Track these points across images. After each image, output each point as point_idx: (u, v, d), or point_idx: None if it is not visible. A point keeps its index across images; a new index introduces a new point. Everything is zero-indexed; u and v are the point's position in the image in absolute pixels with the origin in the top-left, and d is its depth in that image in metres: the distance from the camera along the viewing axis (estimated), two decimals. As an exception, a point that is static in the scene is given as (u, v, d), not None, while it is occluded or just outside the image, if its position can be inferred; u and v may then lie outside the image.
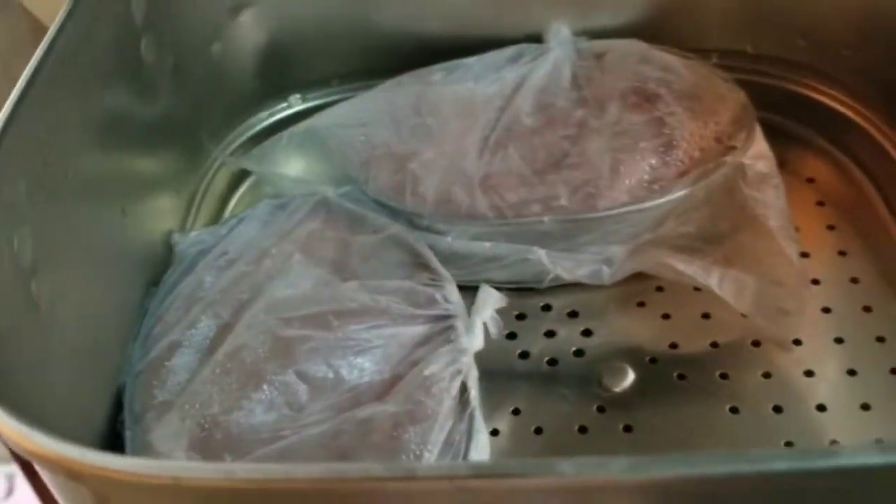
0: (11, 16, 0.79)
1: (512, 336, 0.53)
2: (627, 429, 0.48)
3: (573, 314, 0.53)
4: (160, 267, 0.52)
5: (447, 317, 0.46)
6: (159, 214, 0.54)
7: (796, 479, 0.24)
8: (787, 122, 0.62)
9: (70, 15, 0.43)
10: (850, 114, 0.60)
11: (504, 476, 0.23)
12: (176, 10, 0.54)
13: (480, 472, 0.23)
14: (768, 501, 0.25)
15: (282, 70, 0.63)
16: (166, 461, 0.24)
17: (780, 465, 0.23)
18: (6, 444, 0.28)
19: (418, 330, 0.46)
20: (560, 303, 0.54)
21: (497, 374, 0.51)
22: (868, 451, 0.23)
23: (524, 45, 0.61)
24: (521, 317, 0.54)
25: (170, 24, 0.53)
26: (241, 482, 0.24)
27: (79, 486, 0.28)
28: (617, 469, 0.23)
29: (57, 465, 0.26)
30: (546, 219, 0.51)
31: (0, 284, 0.35)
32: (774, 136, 0.60)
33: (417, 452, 0.40)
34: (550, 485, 0.23)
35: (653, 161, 0.52)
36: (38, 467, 0.30)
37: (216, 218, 0.59)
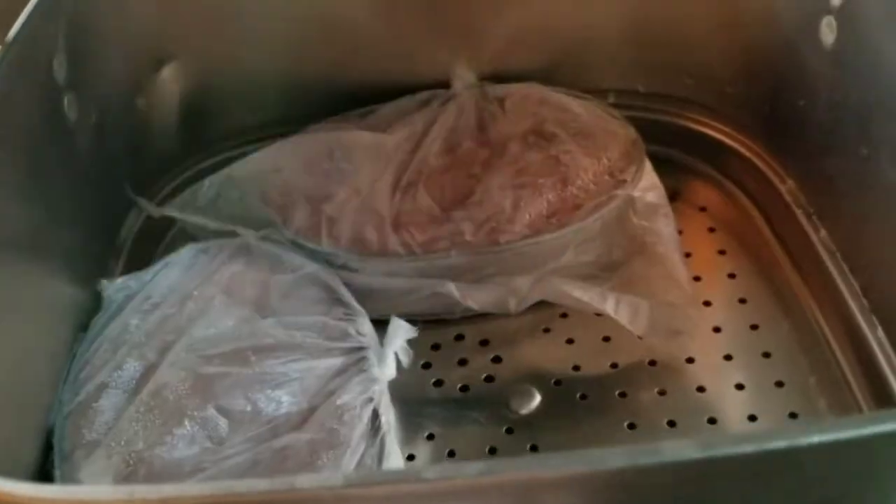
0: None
1: (427, 365, 0.56)
2: (534, 448, 0.51)
3: (484, 342, 0.57)
4: (88, 313, 0.54)
5: (360, 348, 0.49)
6: (87, 262, 0.56)
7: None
8: (680, 154, 0.66)
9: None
10: (735, 145, 0.65)
11: (372, 484, 0.26)
12: (98, 68, 0.56)
13: (352, 482, 0.27)
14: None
15: (204, 121, 0.66)
16: (72, 486, 0.27)
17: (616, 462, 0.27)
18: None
19: (333, 362, 0.49)
20: (472, 332, 0.57)
21: (413, 401, 0.54)
22: (692, 446, 0.26)
23: (434, 91, 0.64)
24: (435, 347, 0.57)
25: (92, 82, 0.56)
26: (138, 501, 0.27)
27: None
28: (472, 472, 0.26)
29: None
30: (453, 253, 0.54)
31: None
32: (668, 168, 0.65)
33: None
34: (414, 490, 0.26)
35: (550, 196, 0.56)
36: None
37: (145, 263, 0.61)
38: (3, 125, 0.47)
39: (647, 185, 0.57)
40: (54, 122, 0.53)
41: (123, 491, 0.27)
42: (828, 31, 0.51)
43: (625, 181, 0.56)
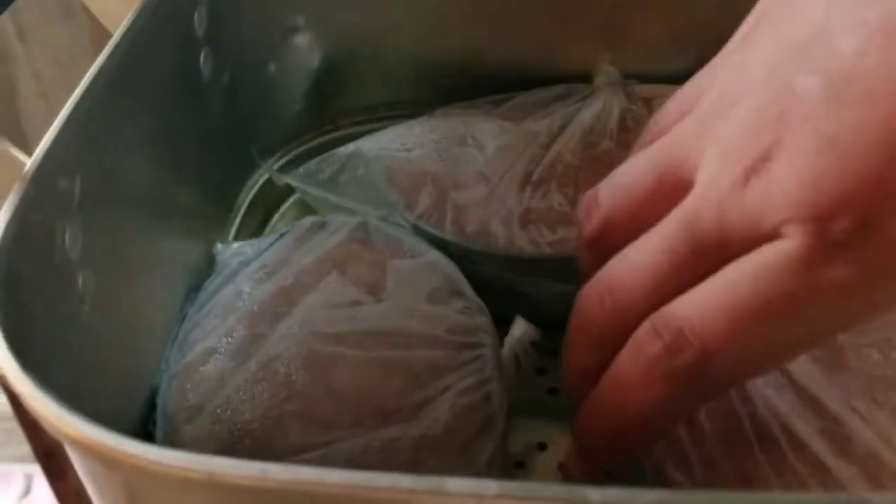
0: (76, 23, 0.82)
1: (542, 371, 0.53)
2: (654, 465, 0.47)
3: (604, 353, 0.53)
4: (200, 274, 0.52)
5: (479, 345, 0.46)
6: (204, 222, 0.55)
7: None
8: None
9: (135, 22, 0.44)
10: None
11: (532, 499, 0.23)
12: (236, 28, 0.55)
13: (509, 492, 0.24)
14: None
15: (331, 93, 0.64)
16: (201, 455, 0.25)
17: None
18: (44, 429, 0.28)
19: (449, 356, 0.46)
20: (592, 341, 0.54)
21: (525, 407, 0.51)
22: None
23: (573, 85, 0.61)
24: (552, 353, 0.54)
25: (229, 41, 0.54)
26: (274, 482, 0.24)
27: (111, 475, 0.29)
28: (644, 500, 0.23)
29: (93, 451, 0.27)
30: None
31: (50, 273, 0.36)
32: None
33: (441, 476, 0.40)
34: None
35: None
36: (71, 454, 0.31)
37: (257, 232, 0.60)
38: (142, 74, 0.46)
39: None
40: (189, 76, 0.52)
41: (256, 468, 0.24)
42: None
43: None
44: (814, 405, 0.38)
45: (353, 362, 0.45)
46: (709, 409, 0.39)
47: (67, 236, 0.37)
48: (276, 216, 0.61)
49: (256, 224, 0.61)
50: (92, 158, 0.40)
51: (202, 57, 0.52)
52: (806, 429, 0.37)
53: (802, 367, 0.39)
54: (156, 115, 0.48)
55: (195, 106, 0.52)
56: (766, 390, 0.38)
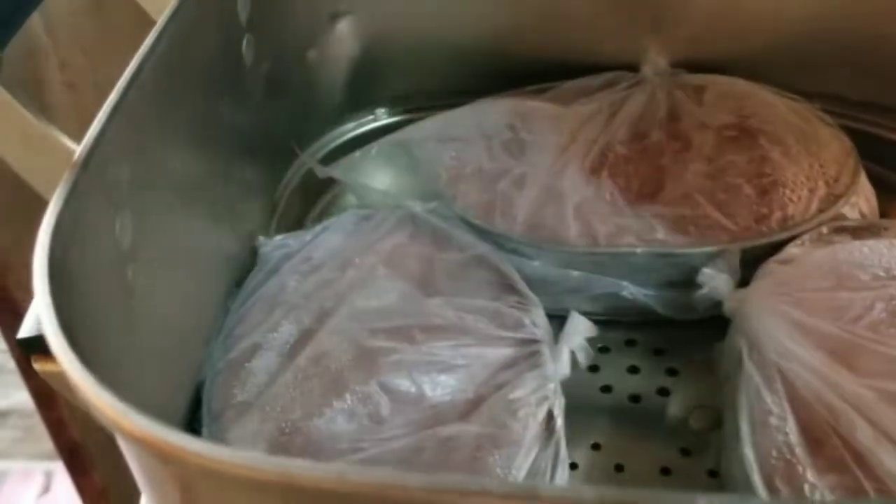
0: (105, 14, 0.80)
1: (594, 369, 0.51)
2: (713, 474, 0.46)
3: (658, 351, 0.52)
4: (243, 268, 0.51)
5: (534, 341, 0.45)
6: (245, 216, 0.53)
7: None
8: (888, 172, 0.60)
9: (178, 9, 0.43)
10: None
11: None
12: (278, 14, 0.54)
13: (608, 498, 0.22)
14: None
15: (372, 82, 0.63)
16: (270, 456, 0.23)
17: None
18: (101, 421, 0.27)
19: (504, 352, 0.44)
20: (644, 338, 0.52)
21: (577, 406, 0.49)
22: None
23: (620, 73, 0.60)
24: (604, 350, 0.52)
25: (271, 27, 0.53)
26: (353, 485, 0.23)
27: (165, 470, 0.27)
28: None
29: (151, 446, 0.25)
30: (640, 251, 0.49)
31: (102, 265, 0.34)
32: (876, 187, 0.58)
33: (503, 476, 0.39)
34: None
35: (756, 202, 0.50)
36: (125, 447, 0.29)
37: (298, 224, 0.59)
38: (186, 61, 0.45)
39: (862, 202, 0.51)
40: (232, 63, 0.50)
41: (333, 469, 0.23)
42: None
43: (840, 195, 0.50)
44: None
45: (406, 358, 0.43)
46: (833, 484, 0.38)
47: (118, 225, 0.36)
48: (318, 207, 0.60)
49: (297, 215, 0.59)
50: (140, 146, 0.39)
51: (244, 43, 0.50)
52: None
53: None
54: (199, 102, 0.47)
55: (238, 93, 0.51)
56: (893, 466, 0.38)
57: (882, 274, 0.45)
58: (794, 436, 0.40)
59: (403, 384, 0.43)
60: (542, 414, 0.41)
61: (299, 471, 0.23)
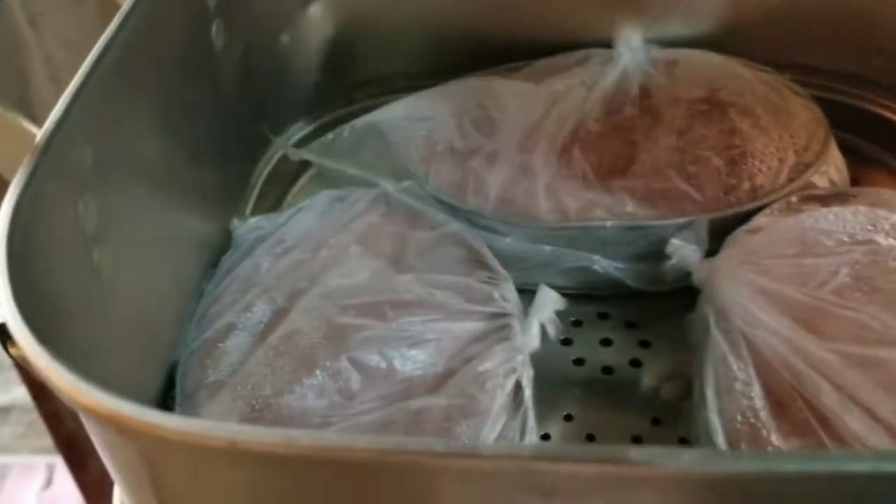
0: (87, 6, 0.81)
1: (567, 342, 0.52)
2: (683, 441, 0.46)
3: (630, 324, 0.52)
4: (218, 250, 0.51)
5: (504, 315, 0.45)
6: (219, 199, 0.54)
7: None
8: (861, 141, 0.60)
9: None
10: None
11: (569, 459, 0.22)
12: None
13: (545, 454, 0.23)
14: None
15: (347, 65, 0.63)
16: (223, 423, 0.24)
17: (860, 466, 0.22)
18: (64, 402, 0.28)
19: (474, 326, 0.45)
20: (617, 311, 0.53)
21: (551, 378, 0.50)
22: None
23: (593, 50, 0.60)
24: (577, 323, 0.53)
25: (242, 12, 0.53)
26: (300, 449, 0.23)
27: (128, 445, 0.28)
28: (688, 460, 0.22)
29: (110, 420, 0.26)
30: (609, 224, 0.49)
31: (64, 248, 0.35)
32: (847, 156, 0.59)
33: (469, 447, 0.39)
34: (618, 472, 0.22)
35: (725, 173, 0.50)
36: (88, 425, 0.30)
37: (275, 206, 0.59)
38: (152, 46, 0.45)
39: (833, 171, 0.52)
40: (201, 49, 0.51)
41: (280, 435, 0.23)
42: None
43: (809, 164, 0.50)
44: None
45: (376, 334, 0.44)
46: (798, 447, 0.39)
47: (81, 208, 0.36)
48: (294, 190, 0.60)
49: (273, 198, 0.60)
50: (104, 130, 0.39)
51: (214, 28, 0.50)
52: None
53: (892, 407, 0.38)
54: (167, 88, 0.47)
55: (208, 79, 0.51)
56: (856, 428, 0.38)
57: (846, 239, 0.45)
58: (759, 400, 0.40)
59: (373, 359, 0.43)
60: (509, 385, 0.42)
61: (244, 436, 0.24)
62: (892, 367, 0.40)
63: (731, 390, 0.41)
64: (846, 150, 0.60)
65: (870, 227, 0.45)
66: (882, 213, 0.46)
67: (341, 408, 0.41)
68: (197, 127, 0.51)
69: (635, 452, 0.22)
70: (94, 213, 0.37)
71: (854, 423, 0.38)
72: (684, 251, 0.47)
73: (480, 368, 0.42)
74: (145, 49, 0.44)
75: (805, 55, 0.60)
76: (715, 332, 0.44)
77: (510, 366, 0.43)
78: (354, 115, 0.60)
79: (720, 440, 0.40)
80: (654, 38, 0.60)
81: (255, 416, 0.41)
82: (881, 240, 0.45)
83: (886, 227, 0.45)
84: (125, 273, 0.41)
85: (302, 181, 0.61)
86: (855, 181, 0.58)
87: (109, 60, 0.40)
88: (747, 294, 0.44)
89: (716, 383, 0.42)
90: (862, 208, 0.46)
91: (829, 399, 0.39)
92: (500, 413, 0.41)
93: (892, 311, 0.42)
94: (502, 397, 0.41)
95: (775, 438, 0.39)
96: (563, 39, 0.61)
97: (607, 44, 0.60)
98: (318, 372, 0.42)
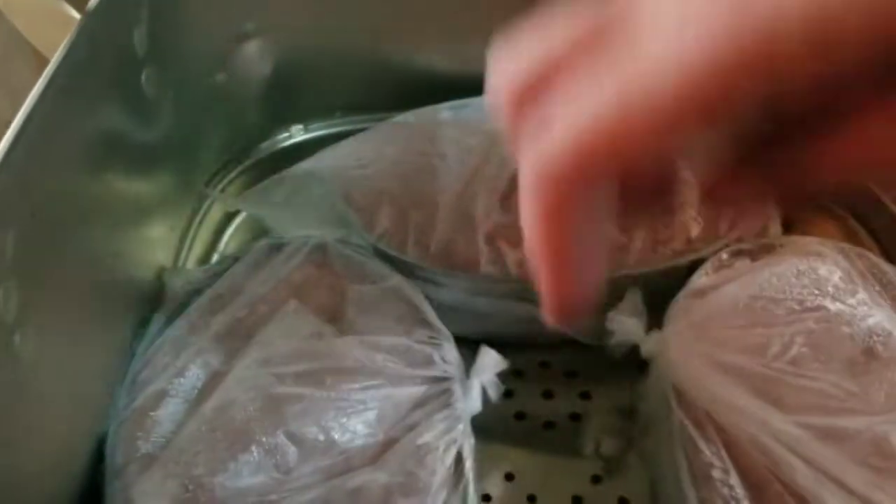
0: (17, 51, 0.78)
1: (508, 394, 0.51)
2: (623, 501, 0.46)
3: (571, 374, 0.52)
4: (151, 305, 0.50)
5: (444, 379, 0.45)
6: (151, 249, 0.52)
7: None
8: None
9: (70, 51, 0.41)
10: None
11: None
12: (179, 42, 0.52)
13: None
14: None
15: (286, 100, 0.61)
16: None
17: None
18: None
19: (414, 391, 0.44)
20: (558, 360, 0.53)
21: (492, 434, 0.49)
22: None
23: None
24: (518, 374, 0.52)
25: (173, 56, 0.51)
26: None
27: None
28: None
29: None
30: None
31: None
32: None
33: (408, 527, 0.39)
34: None
35: (663, 223, 0.50)
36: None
37: (209, 253, 0.58)
38: (80, 97, 0.43)
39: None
40: (133, 97, 0.49)
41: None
42: None
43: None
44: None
45: (314, 404, 0.43)
46: None
47: (1, 298, 0.34)
48: (227, 234, 0.59)
49: (207, 244, 0.58)
50: (25, 208, 0.37)
51: (144, 76, 0.48)
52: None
53: (865, 479, 0.38)
54: (95, 141, 0.45)
55: (139, 126, 0.49)
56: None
57: (796, 307, 0.45)
58: (738, 488, 0.40)
59: (311, 431, 0.42)
60: (449, 458, 0.42)
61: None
62: (859, 437, 0.40)
63: (708, 479, 0.40)
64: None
65: (816, 292, 0.45)
66: (823, 272, 0.46)
67: (278, 485, 0.41)
68: (126, 173, 0.49)
69: None
70: (15, 298, 0.35)
71: (832, 500, 0.38)
72: (626, 325, 0.46)
73: (419, 441, 0.42)
74: (72, 104, 0.42)
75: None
76: (678, 413, 0.42)
77: (451, 436, 0.42)
78: (294, 150, 0.59)
79: None
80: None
81: (188, 497, 0.40)
82: (829, 305, 0.45)
83: (830, 290, 0.45)
84: (49, 351, 0.39)
85: (236, 223, 0.60)
86: (791, 223, 0.59)
87: (33, 128, 0.38)
88: (705, 371, 0.43)
89: (691, 472, 0.41)
90: (803, 268, 0.46)
91: (805, 479, 0.39)
92: (440, 488, 0.40)
93: (850, 379, 0.42)
94: (443, 471, 0.41)
95: None
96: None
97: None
98: (253, 448, 0.41)
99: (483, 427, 0.49)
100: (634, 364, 0.50)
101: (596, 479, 0.47)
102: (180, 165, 0.55)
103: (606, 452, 0.48)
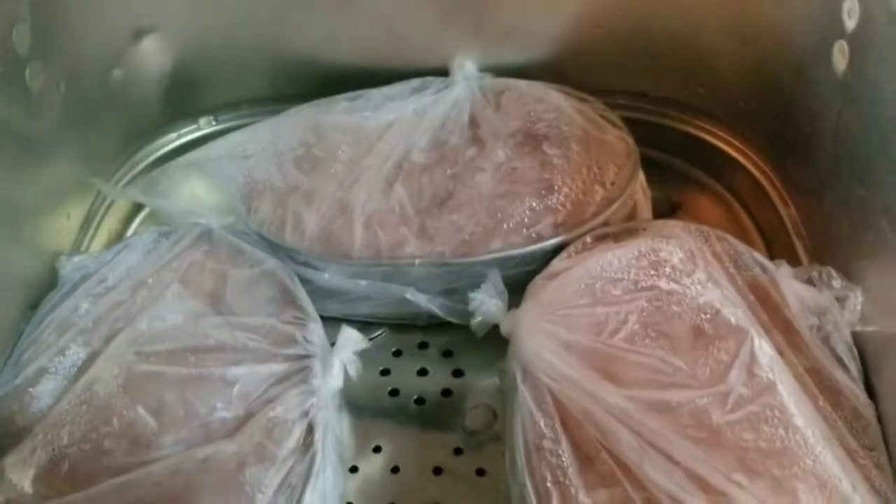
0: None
1: (386, 372, 0.54)
2: (480, 472, 0.49)
3: (447, 353, 0.55)
4: (45, 290, 0.52)
5: (304, 356, 0.47)
6: (47, 237, 0.55)
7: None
8: (684, 164, 0.64)
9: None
10: (742, 160, 0.61)
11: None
12: (68, 39, 0.54)
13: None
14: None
15: (190, 94, 0.64)
16: None
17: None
18: None
19: (276, 368, 0.47)
20: (436, 341, 0.55)
21: (366, 409, 0.52)
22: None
23: (429, 78, 0.61)
24: (397, 353, 0.55)
25: (60, 52, 0.53)
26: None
27: None
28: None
29: None
30: (417, 262, 0.51)
31: None
32: (670, 177, 0.62)
33: (251, 494, 0.41)
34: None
35: (532, 205, 0.52)
36: None
37: (117, 240, 0.60)
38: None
39: (640, 203, 0.54)
40: (16, 92, 0.51)
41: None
42: (840, 57, 0.47)
43: (613, 199, 0.52)
44: (700, 483, 0.39)
45: (175, 380, 0.46)
46: (604, 499, 0.40)
47: None
48: (135, 224, 0.61)
49: (113, 233, 0.61)
50: None
51: (28, 72, 0.51)
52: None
53: (686, 449, 0.40)
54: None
55: (25, 120, 0.51)
56: (656, 475, 0.40)
57: (631, 287, 0.47)
58: (566, 457, 0.42)
59: (171, 406, 0.45)
60: (299, 430, 0.44)
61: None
62: (683, 409, 0.42)
63: (539, 448, 0.42)
64: (672, 172, 0.63)
65: (653, 273, 0.47)
66: (664, 254, 0.48)
67: (135, 455, 0.43)
68: (20, 170, 0.51)
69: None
70: None
71: (653, 470, 0.40)
72: (487, 306, 0.48)
73: (271, 414, 0.44)
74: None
75: (634, 83, 0.62)
76: (521, 388, 0.44)
77: (302, 409, 0.45)
78: (202, 142, 0.61)
79: (532, 501, 0.41)
80: (490, 66, 0.61)
81: (51, 466, 0.43)
82: (663, 284, 0.47)
83: (667, 270, 0.47)
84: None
85: (143, 215, 0.62)
86: (677, 205, 0.61)
87: None
88: (549, 347, 0.45)
89: (524, 442, 0.43)
90: (645, 249, 0.48)
91: (629, 447, 0.41)
92: (286, 458, 0.43)
93: (678, 354, 0.44)
94: (290, 442, 0.43)
95: (582, 495, 0.40)
96: (405, 67, 0.62)
97: (446, 72, 0.61)
98: (114, 420, 0.44)
99: (359, 404, 0.52)
100: (506, 345, 0.53)
101: (458, 451, 0.50)
102: (79, 157, 0.57)
103: (471, 427, 0.51)
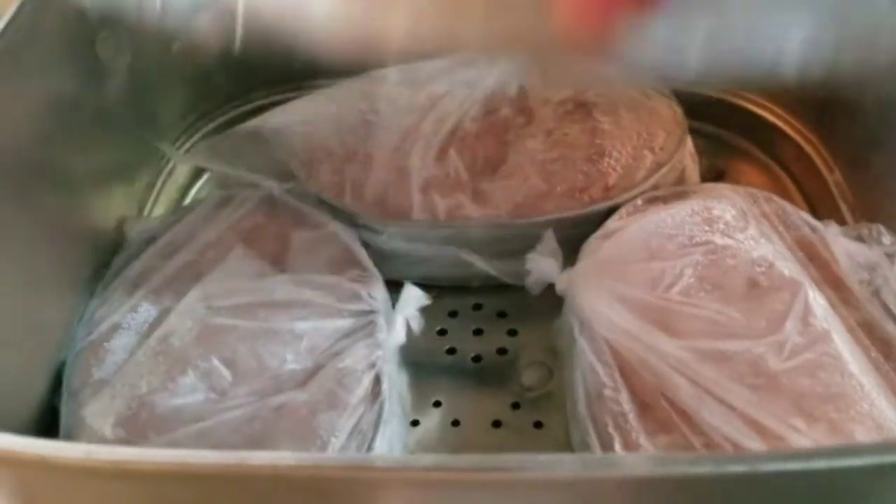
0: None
1: (443, 332, 0.56)
2: (538, 425, 0.50)
3: (502, 314, 0.56)
4: (110, 252, 0.54)
5: (370, 312, 0.49)
6: (114, 202, 0.56)
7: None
8: (729, 134, 0.65)
9: (18, 11, 0.46)
10: (786, 128, 0.62)
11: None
12: (135, 6, 0.56)
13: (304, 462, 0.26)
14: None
15: (247, 68, 0.65)
16: (32, 440, 0.27)
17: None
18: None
19: (342, 323, 0.48)
20: (491, 303, 0.57)
21: (425, 367, 0.54)
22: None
23: (476, 53, 0.62)
24: (452, 314, 0.57)
25: (128, 21, 0.55)
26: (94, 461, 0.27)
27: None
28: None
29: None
30: (473, 223, 0.53)
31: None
32: (715, 146, 0.63)
33: (325, 438, 0.43)
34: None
35: (584, 170, 0.54)
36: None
37: (177, 205, 0.62)
38: (32, 58, 0.47)
39: (689, 168, 0.55)
40: (86, 59, 0.53)
41: (81, 450, 0.27)
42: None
43: (662, 163, 0.54)
44: (758, 427, 0.41)
45: (246, 334, 0.47)
46: (664, 443, 0.42)
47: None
48: (194, 189, 0.63)
49: (174, 198, 0.63)
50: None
51: (98, 39, 0.53)
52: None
53: (743, 396, 0.42)
54: (51, 100, 0.49)
55: (95, 88, 0.53)
56: (713, 420, 0.41)
57: (686, 242, 0.49)
58: (626, 404, 0.43)
59: (244, 358, 0.47)
60: (368, 379, 0.46)
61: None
62: (739, 358, 0.44)
63: (600, 397, 0.44)
64: (717, 142, 0.64)
65: (706, 228, 0.49)
66: (717, 211, 0.50)
67: (212, 403, 0.45)
68: (88, 131, 0.53)
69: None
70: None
71: (711, 416, 0.42)
72: (542, 265, 0.50)
73: (341, 365, 0.46)
74: (23, 62, 0.46)
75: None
76: (580, 341, 0.46)
77: (370, 361, 0.46)
78: (256, 115, 0.63)
79: (597, 449, 0.43)
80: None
81: (130, 413, 0.45)
82: (717, 239, 0.49)
83: (721, 226, 0.49)
84: (8, 278, 0.44)
85: (203, 180, 0.64)
86: (722, 172, 0.63)
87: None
88: (606, 302, 0.47)
89: (586, 391, 0.45)
90: (698, 208, 0.50)
91: (688, 396, 0.43)
92: (357, 406, 0.45)
93: (734, 306, 0.46)
94: (360, 391, 0.45)
95: (643, 439, 0.42)
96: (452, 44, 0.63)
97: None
98: (189, 371, 0.46)
99: (417, 362, 0.53)
100: (559, 305, 0.55)
101: (515, 406, 0.51)
102: (142, 125, 0.59)
103: (527, 383, 0.52)
